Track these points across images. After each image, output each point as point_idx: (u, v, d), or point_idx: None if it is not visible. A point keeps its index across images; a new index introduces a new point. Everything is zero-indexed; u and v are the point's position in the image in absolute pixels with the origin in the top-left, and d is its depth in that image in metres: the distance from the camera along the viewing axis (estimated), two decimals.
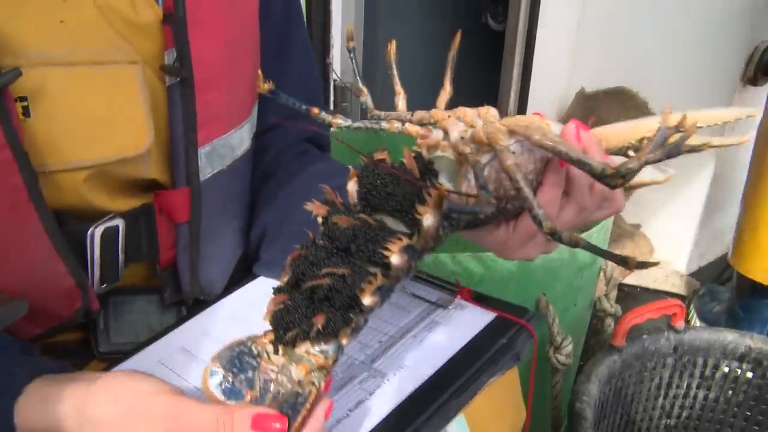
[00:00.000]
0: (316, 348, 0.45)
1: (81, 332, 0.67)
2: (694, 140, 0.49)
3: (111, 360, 0.63)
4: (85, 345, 0.67)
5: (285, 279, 0.47)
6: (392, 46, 0.57)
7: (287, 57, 0.75)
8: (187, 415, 0.43)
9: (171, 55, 0.59)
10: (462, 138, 0.49)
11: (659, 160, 0.48)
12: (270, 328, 0.47)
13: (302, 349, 0.46)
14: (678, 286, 2.04)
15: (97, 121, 0.56)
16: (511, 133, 0.50)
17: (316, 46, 1.52)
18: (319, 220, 0.48)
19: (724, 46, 1.83)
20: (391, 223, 0.47)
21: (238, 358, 0.47)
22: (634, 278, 2.04)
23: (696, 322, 1.78)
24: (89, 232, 0.59)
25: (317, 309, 0.44)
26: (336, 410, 0.54)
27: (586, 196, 0.53)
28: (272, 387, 0.46)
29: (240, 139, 0.67)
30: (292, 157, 0.76)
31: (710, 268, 2.18)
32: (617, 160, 0.54)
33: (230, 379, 0.46)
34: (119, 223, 0.61)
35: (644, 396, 1.19)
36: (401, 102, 0.56)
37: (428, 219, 0.45)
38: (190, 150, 0.62)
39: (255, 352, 0.47)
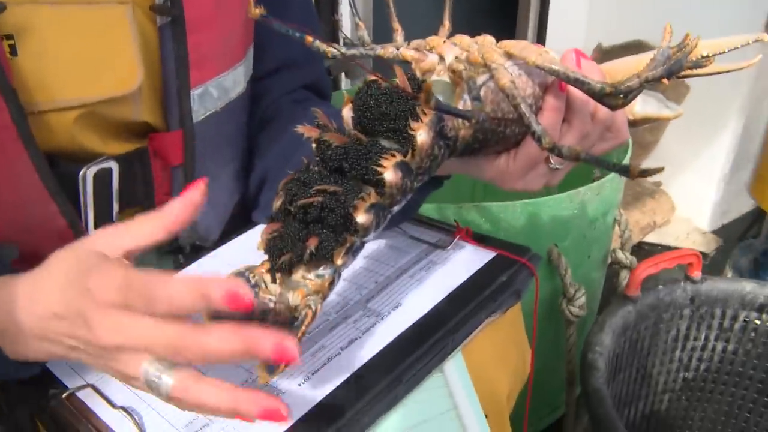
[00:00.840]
0: (312, 273, 0.45)
1: None
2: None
3: None
4: None
5: (278, 204, 0.46)
6: None
7: (284, 7, 0.73)
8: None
9: None
10: (457, 58, 0.48)
11: (660, 77, 0.46)
12: (266, 257, 0.46)
13: (298, 274, 0.45)
14: (699, 244, 2.00)
15: (86, 60, 0.56)
16: (508, 55, 0.49)
17: (324, 4, 1.50)
18: (313, 146, 0.47)
19: None
20: (385, 144, 0.46)
21: None
22: (655, 236, 2.00)
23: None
24: (81, 172, 0.59)
25: (310, 232, 0.43)
26: (327, 349, 0.53)
27: (587, 122, 0.52)
28: (270, 317, 0.45)
29: (234, 81, 0.65)
30: (292, 104, 0.75)
31: (734, 226, 2.13)
32: None
33: None
34: (112, 165, 0.61)
35: (661, 348, 1.16)
36: (399, 37, 0.55)
37: (422, 134, 0.44)
38: (182, 91, 0.61)
39: (252, 282, 0.46)
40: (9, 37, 0.52)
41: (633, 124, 0.59)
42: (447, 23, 0.55)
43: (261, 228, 0.71)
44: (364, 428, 0.48)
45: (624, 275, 1.22)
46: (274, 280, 0.46)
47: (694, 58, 0.45)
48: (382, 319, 0.56)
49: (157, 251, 0.69)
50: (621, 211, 1.18)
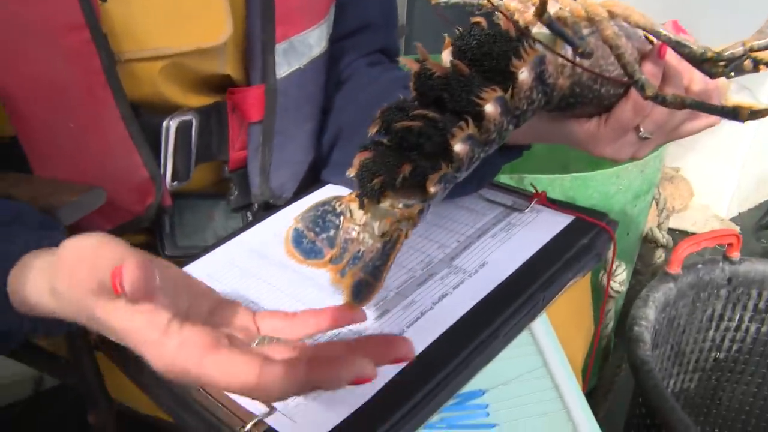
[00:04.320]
0: (401, 202, 0.43)
1: (147, 236, 0.67)
2: None
3: (177, 263, 0.62)
4: (152, 249, 0.66)
5: (373, 130, 0.44)
6: None
7: None
8: None
9: None
10: (561, 9, 0.47)
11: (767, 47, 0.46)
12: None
13: (386, 203, 0.43)
14: None
15: (175, 10, 0.55)
16: (611, 14, 0.48)
17: None
18: (410, 81, 0.45)
19: None
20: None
21: (321, 218, 0.46)
22: (673, 221, 2.00)
23: None
24: (164, 123, 0.58)
25: (404, 158, 0.42)
26: (419, 304, 0.53)
27: (681, 94, 0.51)
28: (352, 246, 0.44)
29: (317, 38, 0.65)
30: (368, 66, 0.74)
31: (751, 214, 2.13)
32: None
33: (312, 237, 0.45)
34: (193, 117, 0.60)
35: (695, 327, 1.17)
36: None
37: (524, 72, 0.42)
38: (267, 46, 0.60)
39: (338, 210, 0.46)
40: None
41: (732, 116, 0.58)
42: None
43: (330, 187, 0.71)
44: (461, 383, 0.48)
45: (659, 254, 1.23)
46: (362, 206, 0.44)
47: None
48: (470, 276, 0.56)
49: (225, 209, 0.68)
50: (660, 191, 1.18)
